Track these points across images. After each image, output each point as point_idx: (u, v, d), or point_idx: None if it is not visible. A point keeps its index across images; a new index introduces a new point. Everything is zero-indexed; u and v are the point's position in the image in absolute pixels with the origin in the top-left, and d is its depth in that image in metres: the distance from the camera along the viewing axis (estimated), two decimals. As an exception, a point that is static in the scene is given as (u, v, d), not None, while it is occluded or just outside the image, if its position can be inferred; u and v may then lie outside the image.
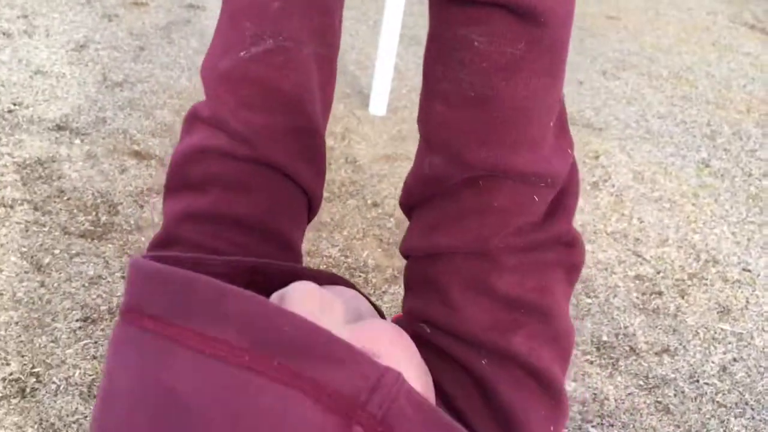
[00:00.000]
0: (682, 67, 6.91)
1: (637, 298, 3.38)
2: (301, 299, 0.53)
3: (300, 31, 0.74)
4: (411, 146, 4.40)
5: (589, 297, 3.35)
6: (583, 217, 3.96)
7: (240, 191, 0.78)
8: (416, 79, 5.43)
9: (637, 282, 3.49)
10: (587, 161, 4.62)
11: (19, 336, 2.65)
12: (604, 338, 3.11)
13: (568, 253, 0.73)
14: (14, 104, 3.98)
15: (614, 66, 6.65)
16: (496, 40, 0.62)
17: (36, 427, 2.34)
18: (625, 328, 3.18)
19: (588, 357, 3.00)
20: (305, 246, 3.44)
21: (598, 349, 3.05)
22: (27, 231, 3.15)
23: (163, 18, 5.67)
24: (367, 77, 5.16)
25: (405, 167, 4.16)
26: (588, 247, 3.73)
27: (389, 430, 0.43)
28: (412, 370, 0.59)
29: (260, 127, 0.77)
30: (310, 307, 0.52)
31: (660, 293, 3.43)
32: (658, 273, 3.58)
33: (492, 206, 0.68)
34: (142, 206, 3.47)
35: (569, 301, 0.72)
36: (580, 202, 3.78)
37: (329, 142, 4.24)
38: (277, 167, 0.79)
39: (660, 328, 3.20)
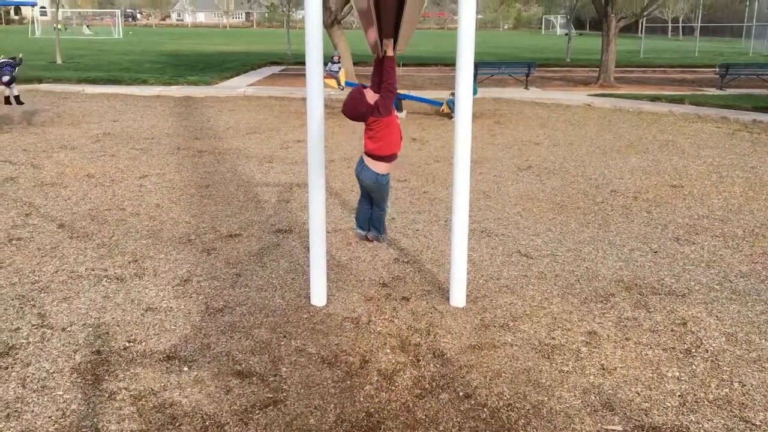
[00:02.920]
0: (756, 224, 6.91)
1: (755, 467, 3.21)
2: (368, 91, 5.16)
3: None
4: (494, 334, 4.52)
5: (702, 470, 3.21)
6: (681, 387, 3.88)
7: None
8: (491, 269, 5.66)
9: (752, 449, 3.34)
10: (675, 329, 4.60)
11: None
12: None
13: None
14: (128, 341, 4.40)
15: (686, 231, 6.73)
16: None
17: None
18: (748, 500, 3.00)
19: None
20: (404, 446, 3.49)
21: None
22: (144, 460, 3.36)
23: (255, 245, 6.25)
24: (444, 272, 5.44)
25: (491, 356, 4.26)
26: (691, 417, 3.62)
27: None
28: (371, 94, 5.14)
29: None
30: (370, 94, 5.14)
31: (778, 460, 3.25)
32: (772, 437, 3.42)
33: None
34: (246, 423, 3.66)
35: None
36: (676, 372, 3.75)
37: (415, 339, 4.42)
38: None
39: (786, 497, 3.00)
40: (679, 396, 3.81)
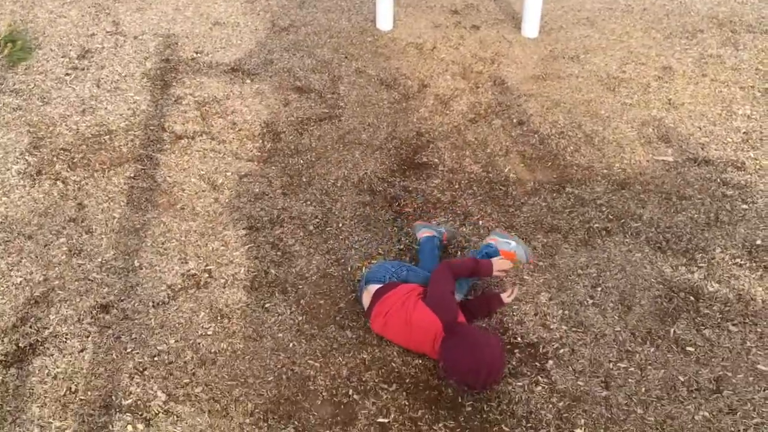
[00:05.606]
0: None
1: (803, 202, 3.12)
2: None
3: None
4: (562, 65, 4.32)
5: (746, 203, 3.14)
6: (748, 125, 3.67)
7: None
8: (572, 0, 5.26)
9: (805, 187, 3.22)
10: (760, 68, 4.20)
11: (197, 241, 3.08)
12: (758, 242, 2.92)
13: None
14: (196, 52, 4.50)
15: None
16: None
17: (207, 311, 2.74)
18: (784, 232, 2.97)
19: (737, 260, 2.85)
20: (449, 164, 3.58)
21: (749, 252, 2.88)
22: (205, 157, 3.61)
23: (328, -33, 6.00)
24: (520, 1, 5.10)
25: (554, 86, 4.12)
26: (750, 153, 3.47)
27: None
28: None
29: None
30: None
31: (831, 197, 3.13)
32: (832, 177, 3.26)
33: None
34: (301, 133, 3.81)
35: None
36: (748, 110, 3.53)
37: (478, 67, 4.30)
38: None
39: (826, 233, 2.94)
40: (743, 133, 3.62)
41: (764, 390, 2.34)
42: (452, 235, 3.07)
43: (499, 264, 2.71)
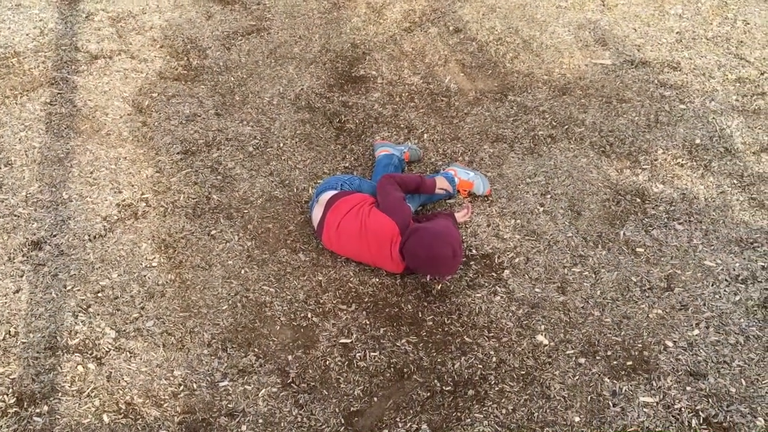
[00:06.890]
0: None
1: (737, 100, 3.18)
2: None
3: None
4: (495, -31, 4.21)
5: (683, 103, 3.19)
6: (681, 24, 3.70)
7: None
8: None
9: (738, 85, 3.27)
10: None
11: (128, 168, 2.88)
12: (698, 141, 2.98)
13: None
14: (104, -37, 4.13)
15: None
16: None
17: (149, 242, 2.59)
18: (722, 130, 3.03)
19: (679, 160, 2.90)
20: (388, 77, 3.46)
21: (689, 152, 2.94)
22: (126, 78, 3.35)
23: None
24: None
25: (489, -10, 4.01)
26: (684, 53, 3.50)
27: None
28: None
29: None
30: None
31: (763, 94, 3.20)
32: (763, 74, 3.33)
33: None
34: (229, 48, 3.58)
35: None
36: (680, 10, 3.54)
37: (409, -28, 4.13)
38: None
39: (760, 128, 3.02)
40: (677, 33, 3.64)
41: (712, 285, 2.43)
42: (415, 155, 2.97)
43: (441, 182, 2.70)
